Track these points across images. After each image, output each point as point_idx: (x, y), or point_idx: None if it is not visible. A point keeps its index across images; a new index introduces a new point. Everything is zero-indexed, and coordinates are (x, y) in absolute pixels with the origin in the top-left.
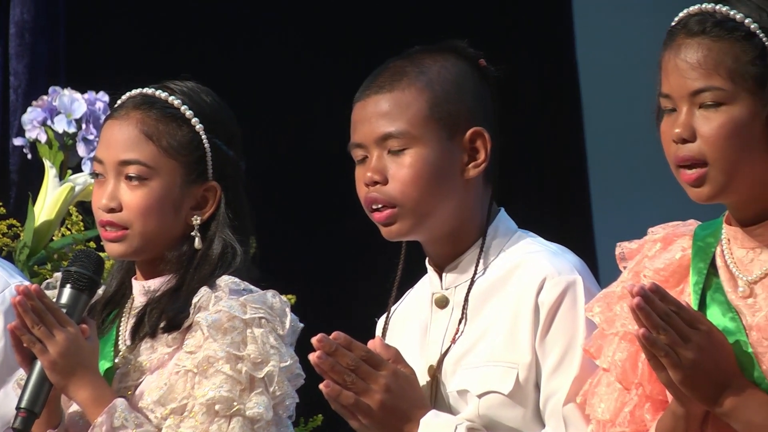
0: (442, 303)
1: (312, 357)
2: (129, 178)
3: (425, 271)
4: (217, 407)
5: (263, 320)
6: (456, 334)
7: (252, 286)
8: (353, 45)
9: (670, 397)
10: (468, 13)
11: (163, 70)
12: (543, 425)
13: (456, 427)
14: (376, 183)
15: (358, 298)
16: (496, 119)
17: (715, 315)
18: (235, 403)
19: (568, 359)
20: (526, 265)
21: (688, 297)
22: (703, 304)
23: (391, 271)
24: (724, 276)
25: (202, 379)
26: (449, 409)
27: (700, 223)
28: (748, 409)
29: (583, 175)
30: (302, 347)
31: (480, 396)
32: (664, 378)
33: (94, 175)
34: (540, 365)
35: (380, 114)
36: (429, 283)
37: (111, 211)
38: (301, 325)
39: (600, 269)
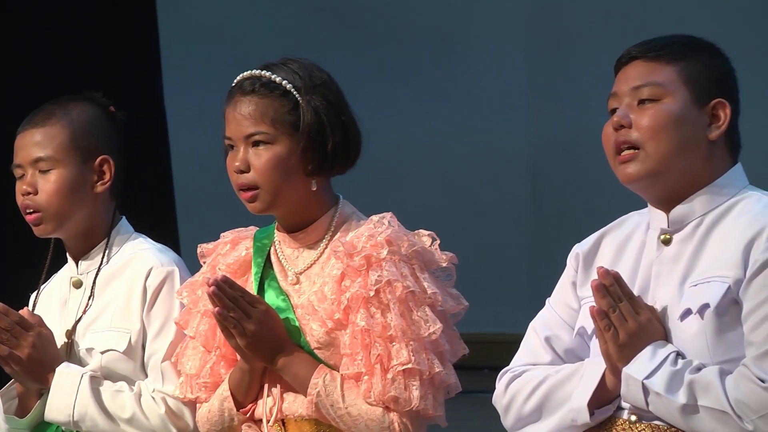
0: (78, 284)
1: None
2: None
3: (66, 261)
4: None
5: None
6: (86, 307)
7: None
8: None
9: (238, 356)
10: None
11: None
12: (147, 376)
13: (82, 375)
14: (29, 193)
15: (20, 280)
16: (122, 150)
17: (271, 297)
18: None
19: (166, 328)
20: (138, 258)
21: (251, 284)
22: (262, 289)
23: (44, 259)
24: (277, 268)
25: None
26: (80, 363)
27: (258, 228)
28: (294, 365)
29: (171, 195)
30: None
31: (102, 353)
32: (233, 344)
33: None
34: (146, 332)
35: (34, 143)
36: (69, 269)
37: None
38: None
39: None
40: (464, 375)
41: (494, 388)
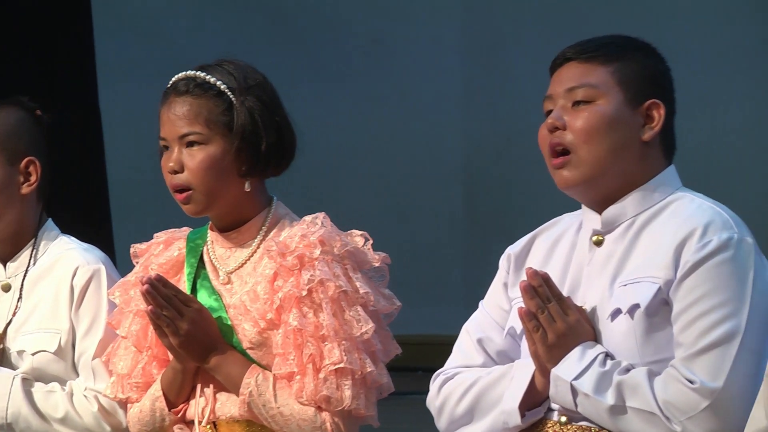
0: (6, 288)
1: None
2: None
3: None
4: None
5: None
6: (16, 309)
7: None
8: None
9: (171, 356)
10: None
11: None
12: (78, 375)
13: (14, 378)
14: None
15: None
16: (48, 152)
17: (203, 297)
18: None
19: (95, 326)
20: (64, 258)
21: (184, 284)
22: (194, 289)
23: None
24: (210, 268)
25: None
26: (13, 366)
27: (191, 229)
28: (227, 365)
29: (105, 196)
30: None
31: (33, 354)
32: (166, 343)
33: None
34: (75, 331)
35: None
36: None
37: None
38: None
39: (118, 265)
40: (398, 376)
41: (428, 390)
